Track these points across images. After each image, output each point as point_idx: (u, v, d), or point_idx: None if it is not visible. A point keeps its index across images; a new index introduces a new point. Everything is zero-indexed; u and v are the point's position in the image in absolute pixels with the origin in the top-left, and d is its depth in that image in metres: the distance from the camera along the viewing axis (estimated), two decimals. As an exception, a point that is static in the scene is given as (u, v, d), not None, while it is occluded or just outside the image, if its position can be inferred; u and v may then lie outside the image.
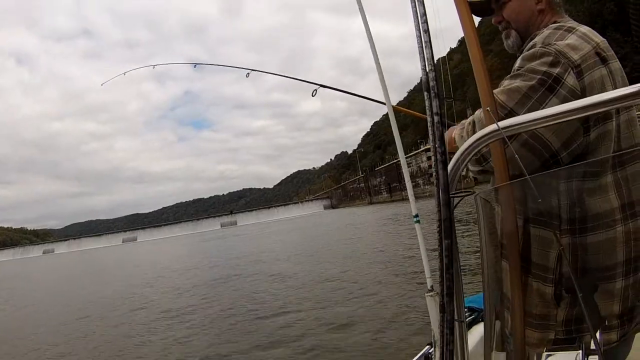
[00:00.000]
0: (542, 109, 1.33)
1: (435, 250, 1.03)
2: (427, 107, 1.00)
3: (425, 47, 1.02)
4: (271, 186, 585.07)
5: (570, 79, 1.36)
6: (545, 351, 1.40)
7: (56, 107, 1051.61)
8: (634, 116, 1.50)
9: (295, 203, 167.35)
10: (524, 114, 1.33)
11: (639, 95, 0.86)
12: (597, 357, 1.17)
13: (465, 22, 1.35)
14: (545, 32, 1.52)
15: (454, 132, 1.64)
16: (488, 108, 1.26)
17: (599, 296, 1.38)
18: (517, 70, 1.46)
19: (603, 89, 1.39)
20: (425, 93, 1.01)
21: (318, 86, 3.35)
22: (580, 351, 1.24)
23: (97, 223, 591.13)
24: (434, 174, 1.02)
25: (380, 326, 7.77)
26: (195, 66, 5.19)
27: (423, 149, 76.96)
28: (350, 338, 7.46)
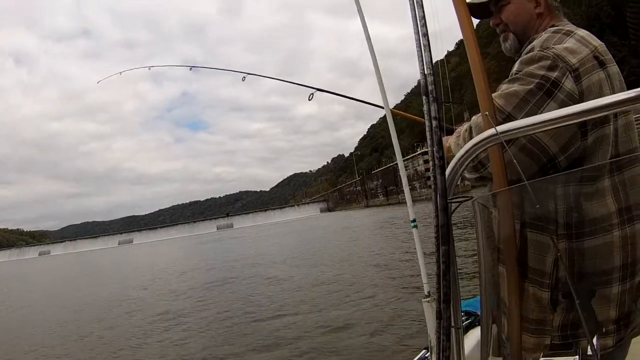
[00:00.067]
0: (540, 113, 1.35)
1: (432, 254, 1.02)
2: (425, 112, 1.00)
3: (425, 51, 1.02)
4: (268, 189, 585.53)
5: (568, 83, 1.36)
6: (542, 356, 1.40)
7: (55, 107, 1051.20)
8: (632, 120, 1.50)
9: (291, 206, 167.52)
10: (521, 118, 1.32)
11: (637, 100, 0.85)
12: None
13: (465, 24, 1.34)
14: (544, 35, 1.53)
15: (449, 140, 1.64)
16: (487, 112, 1.25)
17: (596, 301, 1.38)
18: (515, 74, 1.45)
19: (601, 93, 1.40)
20: (424, 97, 1.01)
21: (315, 90, 3.35)
22: (577, 356, 1.24)
23: (93, 225, 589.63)
24: (431, 178, 1.02)
25: (376, 329, 7.76)
26: (190, 69, 5.18)
27: (420, 152, 76.96)
28: (346, 341, 7.45)
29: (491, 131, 0.99)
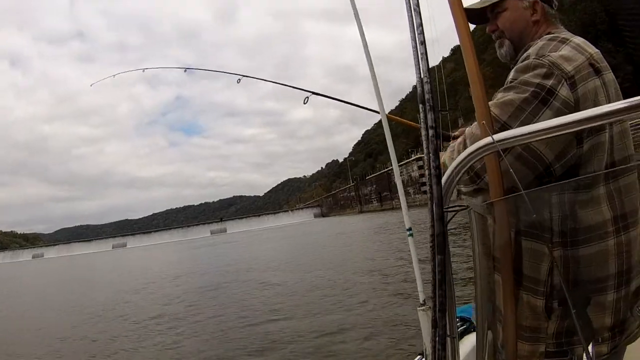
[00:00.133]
0: (535, 121, 1.34)
1: (426, 261, 1.02)
2: (421, 120, 0.99)
3: (422, 59, 1.01)
4: (261, 194, 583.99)
5: (564, 91, 1.36)
6: (537, 363, 1.40)
7: (48, 109, 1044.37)
8: (627, 127, 1.51)
9: (285, 211, 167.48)
10: (517, 127, 1.32)
11: (633, 109, 0.85)
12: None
13: (462, 31, 1.33)
14: (539, 43, 1.52)
15: (443, 156, 1.63)
16: (484, 121, 1.25)
17: (591, 309, 1.38)
18: (511, 82, 1.45)
19: (596, 100, 1.40)
20: (420, 105, 1.00)
21: (310, 94, 3.34)
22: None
23: (86, 228, 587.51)
24: (427, 188, 1.01)
25: (370, 334, 7.78)
26: (185, 70, 5.20)
27: (414, 158, 77.26)
28: (340, 345, 7.48)
29: (488, 139, 0.98)
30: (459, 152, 1.45)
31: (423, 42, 1.02)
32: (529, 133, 0.96)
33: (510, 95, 1.40)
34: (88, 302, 16.79)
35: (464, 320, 2.64)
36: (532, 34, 1.64)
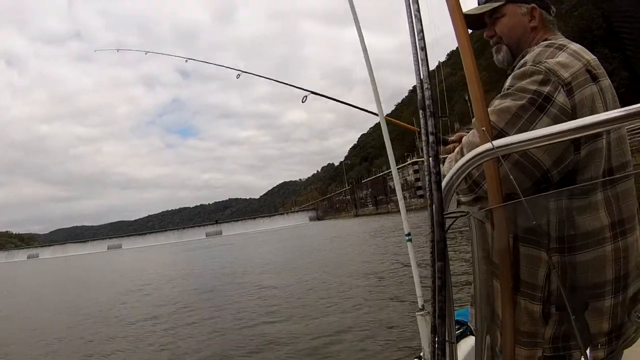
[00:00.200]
0: (532, 128, 1.35)
1: (422, 265, 1.02)
2: (422, 126, 0.99)
3: (422, 64, 1.01)
4: (257, 196, 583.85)
5: (561, 97, 1.36)
6: (534, 368, 1.40)
7: (45, 109, 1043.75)
8: (624, 134, 1.51)
9: (281, 214, 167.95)
10: (514, 134, 1.33)
11: (631, 118, 0.85)
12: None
13: (461, 36, 1.33)
14: (536, 49, 1.53)
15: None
16: (484, 128, 1.25)
17: (589, 314, 1.38)
18: (508, 89, 1.45)
19: (593, 106, 1.40)
20: (421, 111, 0.99)
21: (309, 93, 3.35)
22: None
23: (82, 229, 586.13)
24: (427, 194, 1.00)
25: (365, 337, 7.76)
26: (187, 60, 5.18)
27: (409, 162, 77.28)
28: (336, 347, 7.48)
29: (487, 146, 0.98)
30: (457, 161, 1.45)
31: (424, 48, 1.02)
32: (529, 139, 0.96)
33: (507, 103, 1.40)
34: (83, 303, 16.73)
35: (459, 324, 2.65)
36: (529, 40, 1.64)
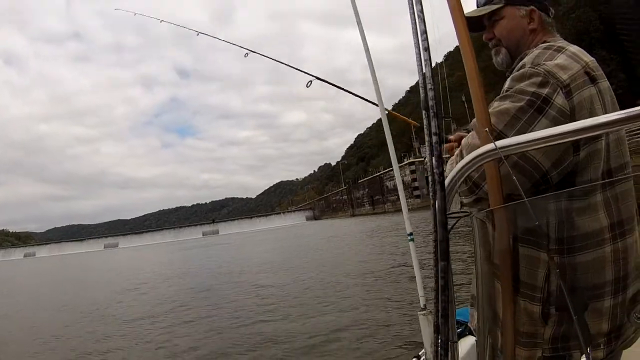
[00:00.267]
0: (531, 130, 1.35)
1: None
2: (425, 126, 0.98)
3: (425, 65, 1.01)
4: (254, 196, 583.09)
5: (559, 99, 1.36)
6: (534, 369, 1.40)
7: (44, 109, 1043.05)
8: (623, 135, 1.51)
9: (277, 213, 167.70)
10: (512, 135, 1.33)
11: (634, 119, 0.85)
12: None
13: (462, 36, 1.32)
14: (535, 52, 1.53)
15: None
16: (487, 129, 1.25)
17: (588, 314, 1.38)
18: (506, 91, 1.45)
19: (592, 108, 1.40)
20: (424, 112, 0.99)
21: (313, 78, 3.39)
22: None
23: (78, 228, 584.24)
24: (431, 194, 1.00)
25: (363, 336, 7.78)
26: (197, 34, 5.17)
27: (406, 162, 77.17)
28: (334, 345, 7.53)
29: (490, 146, 0.98)
30: (457, 163, 1.45)
31: (427, 49, 1.02)
32: (532, 140, 0.96)
33: (506, 104, 1.40)
34: (80, 302, 16.75)
35: (458, 323, 2.66)
36: (528, 43, 1.64)
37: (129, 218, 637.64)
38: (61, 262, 71.16)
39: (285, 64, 4.06)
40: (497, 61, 1.74)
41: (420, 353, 2.65)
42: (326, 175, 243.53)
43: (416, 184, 72.53)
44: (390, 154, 2.43)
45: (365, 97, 3.30)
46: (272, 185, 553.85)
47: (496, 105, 1.42)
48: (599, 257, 1.38)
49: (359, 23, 2.67)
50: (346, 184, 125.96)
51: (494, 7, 1.66)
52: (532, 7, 1.63)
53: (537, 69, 1.42)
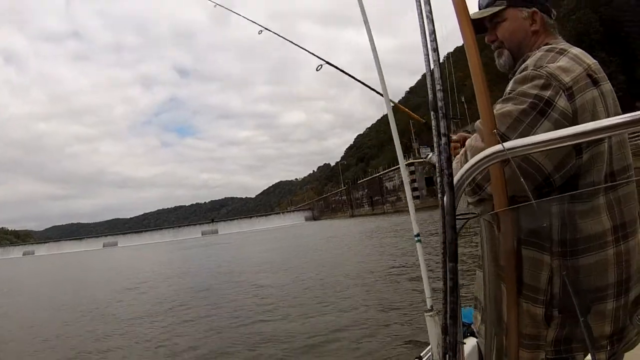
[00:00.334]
0: (533, 132, 1.35)
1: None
2: (433, 128, 0.98)
3: (435, 66, 1.01)
4: (253, 196, 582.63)
5: (562, 102, 1.36)
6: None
7: (43, 108, 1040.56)
8: (625, 137, 1.52)
9: (277, 213, 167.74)
10: (515, 138, 1.33)
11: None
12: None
13: (468, 39, 1.32)
14: (537, 54, 1.53)
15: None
16: (495, 130, 1.25)
17: (591, 317, 1.37)
18: (509, 93, 1.45)
19: (595, 111, 1.40)
20: (432, 113, 0.99)
21: (324, 62, 3.44)
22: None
23: (78, 226, 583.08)
24: (439, 195, 1.00)
25: (363, 336, 7.77)
26: (215, 6, 5.12)
27: (406, 163, 76.93)
28: (333, 345, 7.52)
29: (498, 147, 0.98)
30: (461, 164, 1.45)
31: (436, 49, 1.02)
32: (539, 142, 0.95)
33: (509, 107, 1.40)
34: (80, 301, 16.69)
35: (462, 325, 2.66)
36: (530, 45, 1.64)
37: (128, 217, 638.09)
38: (60, 260, 70.95)
39: (298, 45, 4.13)
40: (499, 63, 1.74)
41: (422, 354, 2.65)
42: (325, 175, 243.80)
43: (415, 184, 72.32)
44: (396, 145, 2.44)
45: (372, 87, 3.32)
46: (271, 185, 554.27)
47: (498, 108, 1.42)
48: (602, 259, 1.38)
49: (364, 16, 2.68)
50: (345, 185, 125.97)
51: (496, 9, 1.66)
52: (534, 8, 1.63)
53: (539, 71, 1.42)
